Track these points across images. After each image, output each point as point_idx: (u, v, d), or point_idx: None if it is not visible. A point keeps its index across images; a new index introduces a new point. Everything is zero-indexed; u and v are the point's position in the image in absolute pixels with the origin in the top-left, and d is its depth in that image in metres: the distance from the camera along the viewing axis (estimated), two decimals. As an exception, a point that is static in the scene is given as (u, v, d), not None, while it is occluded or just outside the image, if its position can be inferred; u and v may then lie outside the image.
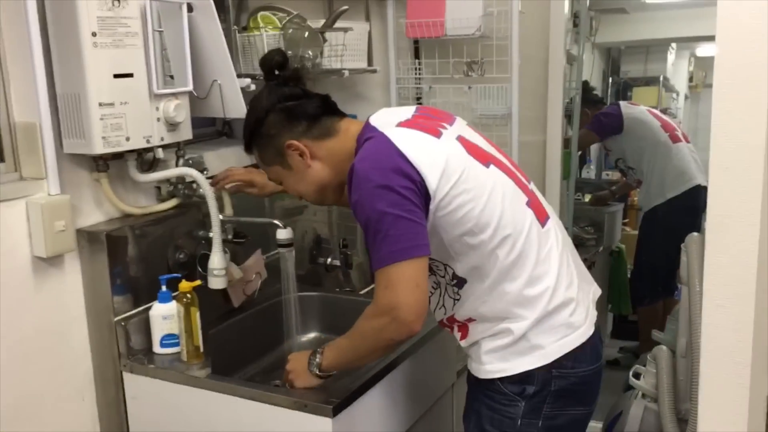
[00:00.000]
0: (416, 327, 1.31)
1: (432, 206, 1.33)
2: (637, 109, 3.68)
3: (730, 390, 1.41)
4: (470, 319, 1.46)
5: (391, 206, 1.28)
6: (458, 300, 1.46)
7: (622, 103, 3.87)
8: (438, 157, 1.34)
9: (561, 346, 1.39)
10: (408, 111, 1.49)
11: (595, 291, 1.55)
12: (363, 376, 1.57)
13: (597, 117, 3.67)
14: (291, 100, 1.48)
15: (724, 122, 1.35)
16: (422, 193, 1.31)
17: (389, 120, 1.43)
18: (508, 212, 1.38)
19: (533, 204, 1.45)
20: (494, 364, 1.41)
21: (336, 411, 1.45)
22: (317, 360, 1.47)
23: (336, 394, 1.49)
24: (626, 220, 4.42)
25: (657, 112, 3.72)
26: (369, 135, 1.40)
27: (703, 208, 3.31)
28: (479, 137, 1.50)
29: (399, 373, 1.68)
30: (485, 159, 1.42)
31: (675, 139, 3.51)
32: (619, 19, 4.67)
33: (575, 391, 1.43)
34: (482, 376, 1.44)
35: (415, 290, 1.30)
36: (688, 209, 3.32)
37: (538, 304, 1.38)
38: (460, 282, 1.43)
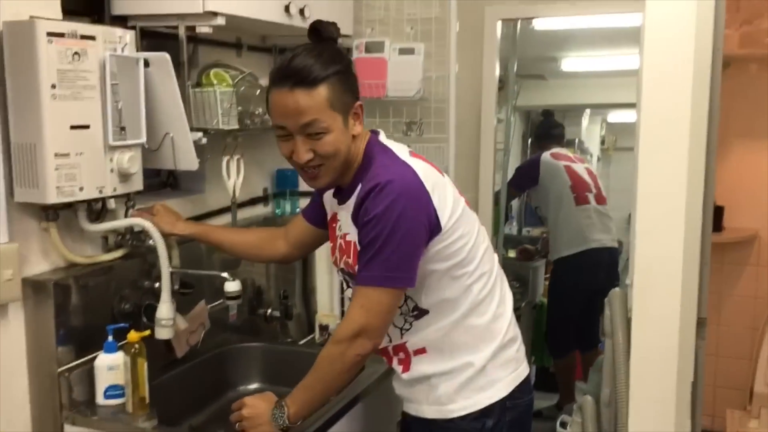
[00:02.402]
0: (379, 343, 1.46)
1: (435, 238, 1.42)
2: (555, 164, 3.72)
3: (657, 436, 1.52)
4: (421, 350, 1.51)
5: (404, 237, 1.36)
6: (408, 330, 1.51)
7: (545, 154, 3.86)
8: (448, 195, 1.45)
9: (514, 378, 1.52)
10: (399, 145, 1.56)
11: None
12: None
13: (517, 170, 3.80)
14: None
15: (647, 186, 1.50)
16: (431, 231, 1.40)
17: (397, 146, 1.52)
18: (488, 251, 1.53)
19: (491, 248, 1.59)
20: (457, 402, 1.48)
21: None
22: (285, 412, 1.45)
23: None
24: (548, 275, 4.61)
25: (577, 170, 3.74)
26: (385, 152, 1.47)
27: (605, 265, 3.51)
28: None
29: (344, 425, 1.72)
30: (465, 201, 1.55)
31: (581, 200, 3.59)
32: (539, 85, 4.95)
33: (523, 420, 1.55)
34: (445, 416, 1.49)
35: (386, 316, 1.41)
36: (586, 267, 3.47)
37: (497, 338, 1.50)
38: (421, 313, 1.49)
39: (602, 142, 7.06)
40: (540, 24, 3.32)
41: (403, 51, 2.44)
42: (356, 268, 1.44)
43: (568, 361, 3.74)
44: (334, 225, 1.60)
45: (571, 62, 4.63)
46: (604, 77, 4.75)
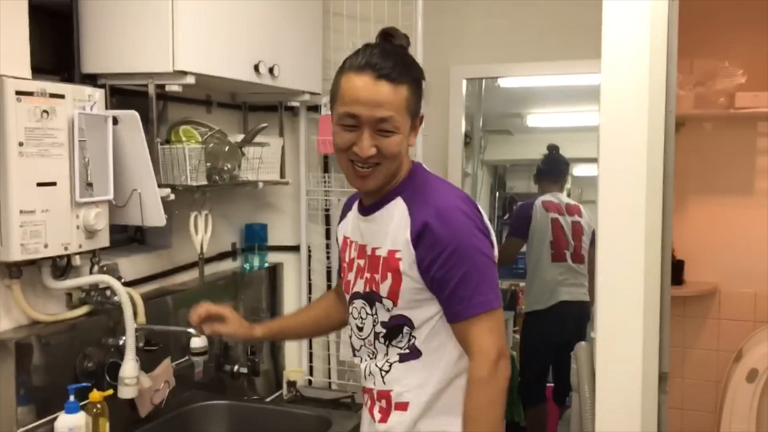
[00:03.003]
0: None
1: None
2: (543, 216, 3.58)
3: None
4: (403, 406, 1.43)
5: (487, 250, 1.37)
6: (386, 373, 1.44)
7: (538, 201, 3.64)
8: None
9: None
10: None
11: None
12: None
13: (513, 218, 3.74)
14: None
15: (607, 241, 1.54)
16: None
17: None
18: None
19: None
20: None
21: None
22: None
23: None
24: (516, 328, 4.61)
25: (563, 224, 3.57)
26: (437, 177, 1.49)
27: (574, 318, 3.49)
28: None
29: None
30: None
31: (557, 257, 3.54)
32: (505, 140, 5.06)
33: None
34: None
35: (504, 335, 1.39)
36: (554, 321, 3.47)
37: None
38: (412, 354, 1.41)
39: (568, 195, 7.23)
40: (505, 82, 3.42)
41: (372, 108, 2.48)
42: (385, 286, 1.39)
43: (540, 412, 3.72)
44: (346, 248, 1.55)
45: (535, 118, 4.76)
46: (568, 132, 4.88)
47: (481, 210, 1.43)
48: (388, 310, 1.42)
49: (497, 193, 5.98)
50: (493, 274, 1.38)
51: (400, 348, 1.43)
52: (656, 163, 1.55)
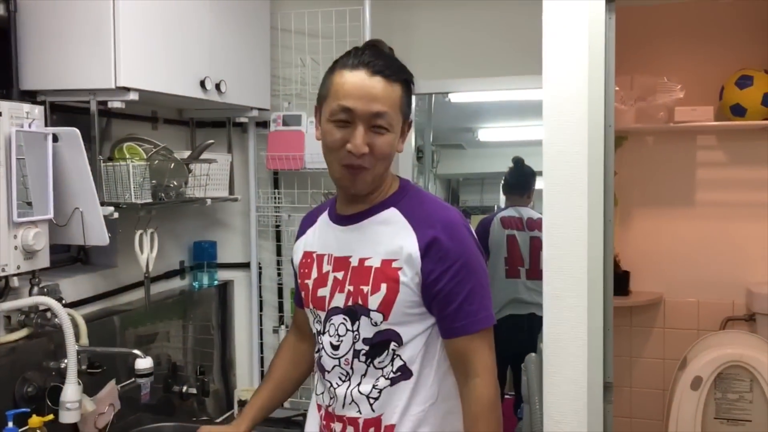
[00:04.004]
0: None
1: None
2: (499, 233, 3.58)
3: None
4: (390, 428, 1.38)
5: (485, 266, 1.39)
6: (376, 400, 1.38)
7: (497, 217, 3.62)
8: None
9: None
10: None
11: None
12: None
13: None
14: None
15: (551, 254, 1.56)
16: None
17: None
18: None
19: None
20: None
21: None
22: None
23: None
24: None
25: (519, 240, 3.56)
26: (425, 191, 1.49)
27: (524, 331, 3.50)
28: None
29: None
30: None
31: (511, 273, 3.53)
32: (458, 154, 5.13)
33: None
34: None
35: None
36: (503, 332, 3.47)
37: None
38: (404, 375, 1.37)
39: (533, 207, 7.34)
40: (455, 97, 3.46)
41: (321, 124, 2.49)
42: (377, 297, 1.35)
43: None
44: (312, 264, 1.48)
45: (486, 132, 4.84)
46: (519, 146, 4.96)
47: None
48: (375, 325, 1.36)
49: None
50: (490, 290, 1.39)
51: (383, 369, 1.37)
52: (597, 176, 1.59)
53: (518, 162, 3.74)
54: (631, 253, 2.86)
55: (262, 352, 2.69)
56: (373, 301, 1.35)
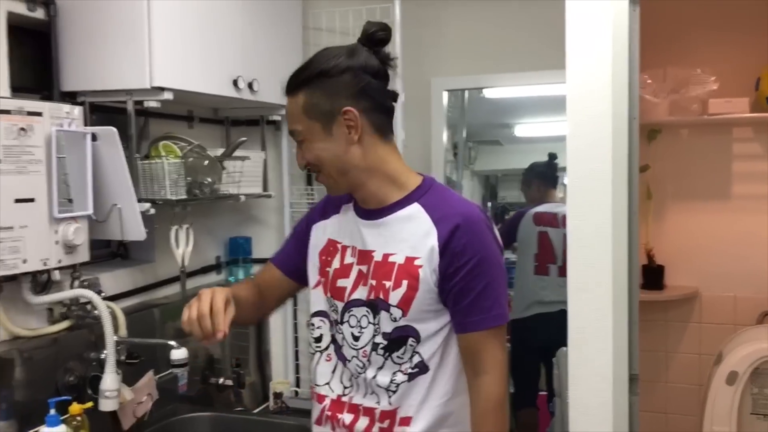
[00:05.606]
0: None
1: None
2: (530, 229, 3.55)
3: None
4: (406, 420, 1.38)
5: (503, 263, 1.40)
6: (394, 393, 1.38)
7: (530, 213, 3.61)
8: None
9: None
10: None
11: None
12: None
13: (502, 226, 3.73)
14: (375, 78, 1.37)
15: (576, 247, 1.57)
16: None
17: None
18: None
19: None
20: None
21: None
22: None
23: None
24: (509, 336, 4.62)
25: (552, 237, 3.49)
26: (448, 187, 1.50)
27: (556, 325, 3.47)
28: None
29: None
30: None
31: (540, 270, 3.50)
32: (495, 150, 5.09)
33: None
34: None
35: None
36: (536, 328, 3.47)
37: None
38: (421, 371, 1.38)
39: (561, 203, 7.27)
40: (490, 93, 3.45)
41: (352, 120, 2.52)
42: (398, 293, 1.35)
43: (528, 415, 3.71)
44: (335, 252, 1.47)
45: (523, 128, 4.80)
46: (558, 141, 4.91)
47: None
48: (395, 320, 1.37)
49: (489, 203, 6.02)
50: (507, 288, 1.40)
51: (401, 363, 1.38)
52: (622, 169, 1.58)
53: (553, 156, 3.74)
54: (666, 248, 2.82)
55: (296, 345, 2.74)
56: (394, 297, 1.36)
